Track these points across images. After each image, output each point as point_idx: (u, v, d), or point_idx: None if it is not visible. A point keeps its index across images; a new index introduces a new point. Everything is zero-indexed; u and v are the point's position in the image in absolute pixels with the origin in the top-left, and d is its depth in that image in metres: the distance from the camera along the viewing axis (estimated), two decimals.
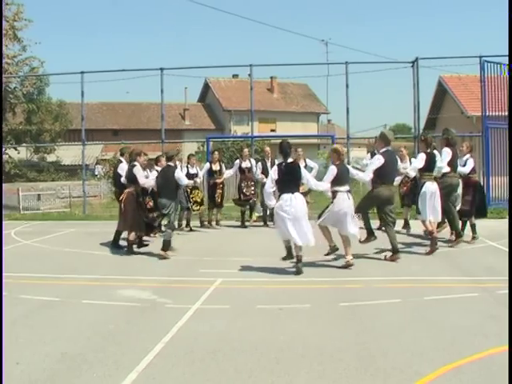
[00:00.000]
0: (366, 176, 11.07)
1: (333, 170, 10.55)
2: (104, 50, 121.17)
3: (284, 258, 10.63)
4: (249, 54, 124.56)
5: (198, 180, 14.55)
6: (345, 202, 10.48)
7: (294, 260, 10.19)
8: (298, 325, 6.98)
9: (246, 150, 17.77)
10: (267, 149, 17.66)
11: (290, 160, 10.36)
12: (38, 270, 10.66)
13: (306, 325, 6.99)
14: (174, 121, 54.01)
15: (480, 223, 15.60)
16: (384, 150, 11.22)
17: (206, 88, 60.64)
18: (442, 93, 31.80)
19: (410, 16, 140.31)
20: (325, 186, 10.61)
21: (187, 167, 16.49)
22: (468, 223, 13.37)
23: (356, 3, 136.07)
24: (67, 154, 39.36)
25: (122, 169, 13.30)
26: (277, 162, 15.34)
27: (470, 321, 6.96)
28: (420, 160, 12.04)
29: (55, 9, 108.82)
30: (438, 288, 8.78)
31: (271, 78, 57.72)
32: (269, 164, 16.64)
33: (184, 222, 16.49)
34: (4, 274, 8.61)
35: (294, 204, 9.91)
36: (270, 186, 10.26)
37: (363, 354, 5.86)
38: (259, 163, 16.96)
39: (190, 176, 15.22)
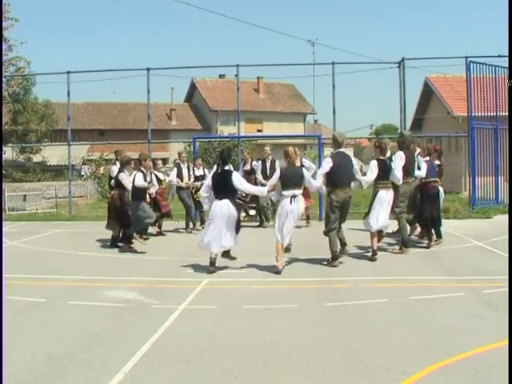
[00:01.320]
0: (317, 183, 10.74)
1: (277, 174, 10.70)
2: (90, 50, 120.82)
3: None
4: (235, 54, 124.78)
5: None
6: (286, 206, 10.22)
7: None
8: (284, 325, 6.98)
9: (246, 154, 17.82)
10: (267, 148, 17.39)
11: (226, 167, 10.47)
12: (24, 270, 10.60)
13: (292, 325, 6.99)
14: (160, 121, 53.92)
15: (466, 223, 15.76)
16: (335, 152, 10.91)
17: (193, 88, 60.63)
18: (428, 93, 31.92)
19: (397, 17, 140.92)
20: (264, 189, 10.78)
21: (193, 169, 16.64)
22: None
23: (343, 4, 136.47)
24: (53, 154, 39.13)
25: (113, 171, 13.88)
26: (278, 163, 15.48)
27: (456, 320, 6.98)
28: (372, 169, 11.37)
29: (42, 8, 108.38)
30: (424, 288, 8.82)
31: (258, 78, 57.76)
32: (268, 164, 16.59)
33: (198, 223, 16.42)
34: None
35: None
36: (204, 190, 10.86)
37: (350, 353, 5.87)
38: (259, 162, 16.90)
39: (196, 178, 16.29)
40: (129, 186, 12.85)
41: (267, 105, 59.49)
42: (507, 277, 8.88)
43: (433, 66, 33.66)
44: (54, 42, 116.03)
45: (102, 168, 31.73)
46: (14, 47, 32.92)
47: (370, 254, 11.26)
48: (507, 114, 19.44)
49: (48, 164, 40.85)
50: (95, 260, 11.91)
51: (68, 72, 21.51)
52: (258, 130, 56.56)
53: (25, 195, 25.63)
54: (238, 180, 10.33)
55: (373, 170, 11.27)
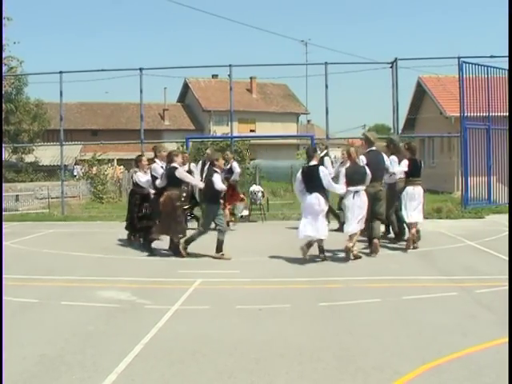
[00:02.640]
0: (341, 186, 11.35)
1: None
2: (83, 49, 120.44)
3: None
4: (228, 55, 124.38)
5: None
6: (349, 200, 11.23)
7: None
8: (277, 325, 6.98)
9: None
10: (228, 153, 17.28)
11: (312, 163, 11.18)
12: (17, 271, 10.56)
13: (285, 325, 7.00)
14: (153, 121, 53.86)
15: (458, 223, 15.80)
16: (367, 150, 11.75)
17: (186, 88, 60.57)
18: (420, 93, 31.94)
19: (389, 17, 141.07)
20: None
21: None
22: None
23: (335, 4, 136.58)
24: (46, 154, 38.97)
25: (156, 170, 12.74)
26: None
27: (449, 320, 7.00)
28: (402, 166, 12.25)
29: (34, 7, 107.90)
30: (417, 287, 8.84)
31: (251, 78, 57.75)
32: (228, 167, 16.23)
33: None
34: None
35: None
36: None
37: (343, 353, 5.87)
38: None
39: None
40: (200, 184, 12.38)
41: (260, 105, 59.50)
42: (500, 276, 8.96)
43: (425, 67, 33.61)
44: (47, 41, 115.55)
45: (94, 168, 31.68)
46: (6, 47, 32.83)
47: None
48: (500, 114, 19.57)
49: (40, 164, 40.68)
50: (88, 260, 11.88)
51: (60, 72, 21.43)
52: (251, 130, 56.55)
53: (17, 195, 25.50)
54: (325, 175, 11.00)
55: (403, 168, 12.25)
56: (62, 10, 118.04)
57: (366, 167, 11.40)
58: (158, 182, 12.32)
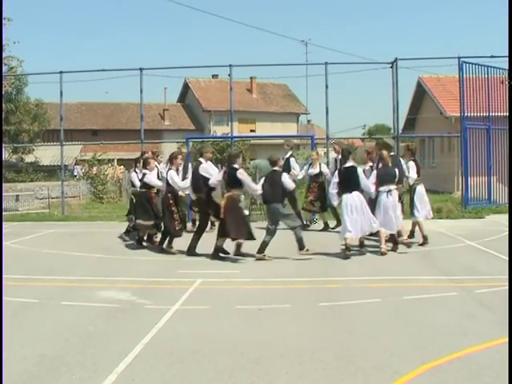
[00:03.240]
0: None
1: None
2: (83, 49, 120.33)
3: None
4: (228, 55, 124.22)
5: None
6: (384, 199, 11.84)
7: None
8: (277, 325, 6.99)
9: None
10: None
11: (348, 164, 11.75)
12: (17, 271, 10.56)
13: (285, 325, 7.00)
14: (153, 121, 53.80)
15: (458, 223, 15.81)
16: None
17: (186, 88, 60.52)
18: (421, 93, 31.90)
19: (390, 17, 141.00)
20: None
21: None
22: None
23: (335, 4, 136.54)
24: (46, 154, 38.95)
25: (206, 170, 12.51)
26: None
27: (449, 320, 7.00)
28: (412, 168, 12.82)
29: (34, 7, 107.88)
30: (417, 287, 8.84)
31: (251, 78, 57.69)
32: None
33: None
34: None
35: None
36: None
37: (343, 353, 5.87)
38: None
39: None
40: (258, 190, 11.67)
41: (260, 105, 59.45)
42: (500, 276, 8.95)
43: (425, 67, 33.69)
44: (47, 41, 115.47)
45: (94, 168, 31.66)
46: (6, 47, 32.81)
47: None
48: (500, 114, 19.57)
49: (40, 164, 40.67)
50: (88, 260, 11.88)
51: (61, 72, 21.44)
52: (251, 130, 56.49)
53: (17, 195, 25.49)
54: (362, 175, 11.66)
55: (414, 169, 12.83)
56: (63, 10, 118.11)
57: (396, 169, 12.09)
58: (212, 180, 12.01)
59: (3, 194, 22.07)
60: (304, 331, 6.71)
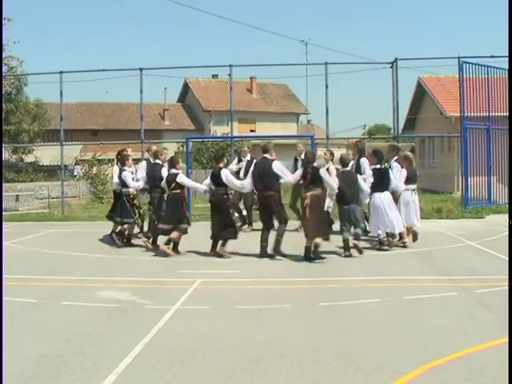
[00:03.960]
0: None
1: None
2: (83, 49, 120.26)
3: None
4: (228, 55, 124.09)
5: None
6: (407, 197, 12.69)
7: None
8: (277, 325, 6.98)
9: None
10: (245, 148, 16.96)
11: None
12: (17, 271, 10.55)
13: (285, 325, 7.00)
14: (153, 121, 53.82)
15: (458, 223, 15.81)
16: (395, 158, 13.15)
17: (186, 88, 60.54)
18: (421, 93, 31.91)
19: (389, 17, 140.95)
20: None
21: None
22: None
23: (335, 4, 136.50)
24: (46, 154, 38.94)
25: (281, 168, 11.92)
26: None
27: (449, 320, 7.00)
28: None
29: (34, 7, 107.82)
30: (417, 287, 8.84)
31: (251, 78, 57.67)
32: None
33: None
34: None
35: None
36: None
37: (343, 353, 5.87)
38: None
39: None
40: (335, 187, 11.51)
41: (260, 105, 59.46)
42: (500, 276, 8.94)
43: (425, 67, 33.61)
44: (47, 41, 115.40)
45: (94, 168, 31.67)
46: (6, 47, 32.81)
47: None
48: (500, 114, 19.57)
49: (40, 164, 40.67)
50: (88, 260, 11.88)
51: (61, 72, 21.44)
52: (251, 130, 56.49)
53: (17, 195, 25.50)
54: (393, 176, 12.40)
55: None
56: (62, 10, 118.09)
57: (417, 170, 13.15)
58: (288, 178, 11.98)
59: (3, 194, 22.06)
60: (304, 331, 6.71)
